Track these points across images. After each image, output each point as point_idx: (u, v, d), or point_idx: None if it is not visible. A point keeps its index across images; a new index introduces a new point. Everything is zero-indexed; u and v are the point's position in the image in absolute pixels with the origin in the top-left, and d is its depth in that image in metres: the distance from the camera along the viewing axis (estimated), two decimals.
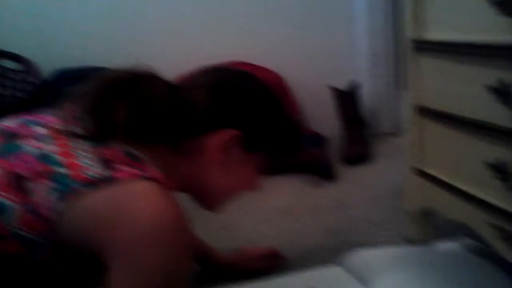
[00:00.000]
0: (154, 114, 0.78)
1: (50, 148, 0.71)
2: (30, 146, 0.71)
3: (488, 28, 0.89)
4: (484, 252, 1.16)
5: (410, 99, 1.18)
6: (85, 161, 0.69)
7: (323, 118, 2.31)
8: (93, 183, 0.67)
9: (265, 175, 0.93)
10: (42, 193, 0.66)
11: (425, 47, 1.10)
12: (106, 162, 0.69)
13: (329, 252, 1.25)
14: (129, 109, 0.76)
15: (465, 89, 0.98)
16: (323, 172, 1.86)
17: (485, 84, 0.90)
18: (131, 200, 0.67)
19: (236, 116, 0.83)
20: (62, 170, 0.68)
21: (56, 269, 0.70)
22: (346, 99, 2.19)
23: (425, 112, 1.14)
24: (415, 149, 1.19)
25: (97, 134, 0.73)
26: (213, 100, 0.82)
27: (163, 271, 0.65)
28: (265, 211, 1.57)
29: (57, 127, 0.76)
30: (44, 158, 0.69)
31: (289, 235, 1.38)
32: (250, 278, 1.12)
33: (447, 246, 1.23)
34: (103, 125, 0.74)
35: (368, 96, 2.39)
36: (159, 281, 0.65)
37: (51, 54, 2.05)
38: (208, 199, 0.86)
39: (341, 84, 2.19)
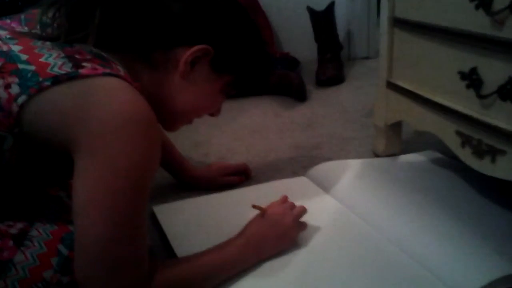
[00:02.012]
0: (129, 19, 0.76)
1: (13, 47, 0.68)
2: None
3: None
4: (449, 164, 1.18)
5: (385, 11, 1.15)
6: (49, 58, 0.67)
7: (300, 40, 2.27)
8: (56, 78, 0.64)
9: (229, 99, 0.91)
10: (6, 88, 0.64)
11: None
12: (71, 59, 0.67)
13: (298, 167, 1.26)
14: (104, 11, 0.73)
15: None
16: (295, 93, 1.85)
17: None
18: (97, 93, 0.64)
19: (209, 30, 0.80)
20: (25, 66, 0.66)
21: (21, 168, 0.69)
22: (323, 21, 2.14)
23: (400, 23, 1.12)
24: (388, 62, 1.18)
25: (65, 36, 0.70)
26: (188, 11, 0.79)
27: (130, 162, 0.63)
28: (237, 130, 1.57)
29: (19, 29, 0.74)
30: (6, 55, 0.67)
31: (260, 152, 1.38)
32: (220, 190, 1.13)
33: (411, 157, 1.26)
34: (75, 27, 0.71)
35: (345, 19, 2.35)
36: (125, 171, 0.63)
37: None
38: (166, 116, 0.83)
39: (318, 6, 2.13)
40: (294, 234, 0.89)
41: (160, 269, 0.71)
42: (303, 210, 0.92)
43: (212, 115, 0.92)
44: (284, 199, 0.94)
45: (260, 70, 0.90)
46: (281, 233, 0.87)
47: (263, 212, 0.88)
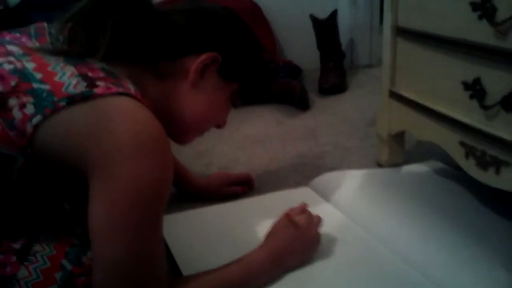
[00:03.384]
0: (138, 31, 0.76)
1: (26, 64, 0.68)
2: (5, 63, 0.68)
3: None
4: (452, 174, 1.18)
5: (387, 20, 1.15)
6: (63, 77, 0.66)
7: (302, 48, 2.27)
8: (71, 98, 0.64)
9: (235, 108, 0.92)
10: (20, 107, 0.64)
11: None
12: (84, 78, 0.66)
13: (301, 177, 1.26)
14: (114, 25, 0.73)
15: (447, 7, 0.95)
16: (298, 102, 1.85)
17: (469, 1, 0.87)
18: (111, 114, 0.64)
19: (215, 38, 0.82)
20: (40, 85, 0.65)
21: (29, 186, 0.68)
22: (325, 29, 2.14)
23: (402, 33, 1.12)
24: (390, 72, 1.18)
25: (79, 49, 0.71)
26: (194, 23, 0.81)
27: (144, 184, 0.63)
28: (239, 139, 1.56)
29: (30, 44, 0.74)
30: (20, 73, 0.67)
31: (262, 162, 1.38)
32: (223, 201, 1.13)
33: (414, 168, 1.25)
34: (89, 40, 0.72)
35: (347, 27, 2.35)
36: (141, 194, 0.63)
37: None
38: (177, 128, 0.84)
39: (321, 14, 2.14)
40: (317, 246, 0.89)
41: (179, 285, 0.71)
42: (321, 221, 0.91)
43: (218, 126, 0.92)
44: (304, 208, 0.92)
45: (265, 76, 0.91)
46: (307, 245, 0.87)
47: (293, 224, 0.86)
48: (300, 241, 0.85)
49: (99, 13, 0.73)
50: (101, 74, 0.68)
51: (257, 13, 2.22)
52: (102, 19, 0.73)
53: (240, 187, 1.18)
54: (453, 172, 1.19)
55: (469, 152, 0.94)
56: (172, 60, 0.80)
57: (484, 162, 0.90)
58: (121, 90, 0.67)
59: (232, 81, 0.85)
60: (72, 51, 0.71)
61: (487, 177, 0.90)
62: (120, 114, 0.65)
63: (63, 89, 0.65)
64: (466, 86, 0.93)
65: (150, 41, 0.78)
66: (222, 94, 0.85)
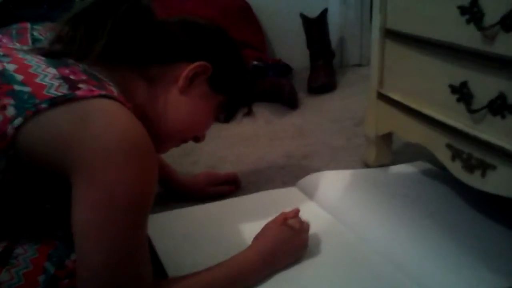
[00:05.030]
0: (135, 33, 0.77)
1: (6, 65, 0.67)
2: None
3: None
4: (439, 175, 1.19)
5: (376, 22, 1.16)
6: (45, 79, 0.66)
7: (292, 47, 2.27)
8: (53, 100, 0.63)
9: (219, 122, 0.94)
10: (1, 109, 0.63)
11: None
12: (66, 80, 0.66)
13: (288, 176, 1.26)
14: (112, 28, 0.73)
15: (435, 10, 0.96)
16: (287, 100, 1.85)
17: (457, 5, 0.88)
18: (94, 116, 0.64)
19: (208, 49, 0.83)
20: (21, 87, 0.64)
21: (12, 187, 0.67)
22: (315, 28, 2.14)
23: (391, 35, 1.12)
24: (379, 73, 1.18)
25: (77, 51, 0.70)
26: (189, 32, 0.83)
27: (127, 188, 0.63)
28: (227, 138, 1.56)
29: (11, 45, 0.73)
30: (1, 75, 0.66)
31: (250, 161, 1.38)
32: (210, 200, 1.12)
33: (401, 168, 1.26)
34: (86, 42, 0.72)
35: (337, 26, 2.35)
36: (123, 198, 0.63)
37: None
38: (158, 134, 0.82)
39: (311, 13, 2.13)
40: (305, 250, 0.90)
41: (165, 287, 0.71)
42: (309, 226, 0.92)
43: (197, 140, 0.92)
44: (297, 212, 0.92)
45: (250, 93, 0.95)
46: (298, 248, 0.88)
47: (288, 227, 0.87)
48: (293, 243, 0.86)
49: (100, 15, 0.73)
50: (83, 77, 0.67)
51: (247, 11, 2.22)
52: (102, 21, 0.73)
53: (227, 186, 1.17)
54: (439, 173, 1.19)
55: (456, 154, 0.94)
56: (163, 65, 0.80)
57: (470, 165, 0.90)
58: (103, 92, 0.66)
59: (219, 93, 0.86)
60: (61, 52, 0.70)
61: (473, 180, 0.90)
62: (103, 116, 0.64)
63: (44, 91, 0.64)
64: (454, 89, 0.93)
65: (145, 43, 0.78)
66: (208, 104, 0.86)
